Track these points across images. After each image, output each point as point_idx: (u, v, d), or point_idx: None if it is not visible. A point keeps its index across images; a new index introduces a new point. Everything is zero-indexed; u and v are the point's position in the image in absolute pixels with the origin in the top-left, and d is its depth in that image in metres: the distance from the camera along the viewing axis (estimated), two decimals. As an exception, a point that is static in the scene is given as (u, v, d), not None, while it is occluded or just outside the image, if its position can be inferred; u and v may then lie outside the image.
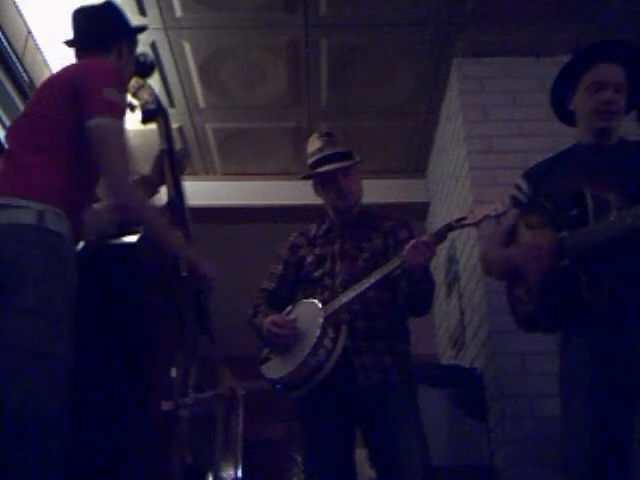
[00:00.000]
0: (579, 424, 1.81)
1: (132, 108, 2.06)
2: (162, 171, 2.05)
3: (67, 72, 1.81)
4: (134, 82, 2.06)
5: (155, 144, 2.17)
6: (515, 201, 2.08)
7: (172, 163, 2.05)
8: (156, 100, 2.09)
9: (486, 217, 1.97)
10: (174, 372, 1.85)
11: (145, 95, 2.06)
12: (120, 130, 1.73)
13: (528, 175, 2.09)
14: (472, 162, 3.31)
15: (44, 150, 1.67)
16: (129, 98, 2.03)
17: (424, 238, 2.03)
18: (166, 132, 2.08)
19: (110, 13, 1.99)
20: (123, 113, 1.77)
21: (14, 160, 1.67)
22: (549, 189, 1.97)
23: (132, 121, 2.06)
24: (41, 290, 1.49)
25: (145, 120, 2.08)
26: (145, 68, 2.09)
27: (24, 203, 1.55)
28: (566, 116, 2.15)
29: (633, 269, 1.78)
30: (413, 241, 2.03)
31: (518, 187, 2.10)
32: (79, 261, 1.70)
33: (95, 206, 1.91)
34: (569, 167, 2.01)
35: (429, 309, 2.31)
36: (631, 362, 1.78)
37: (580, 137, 2.10)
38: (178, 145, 3.18)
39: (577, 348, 1.88)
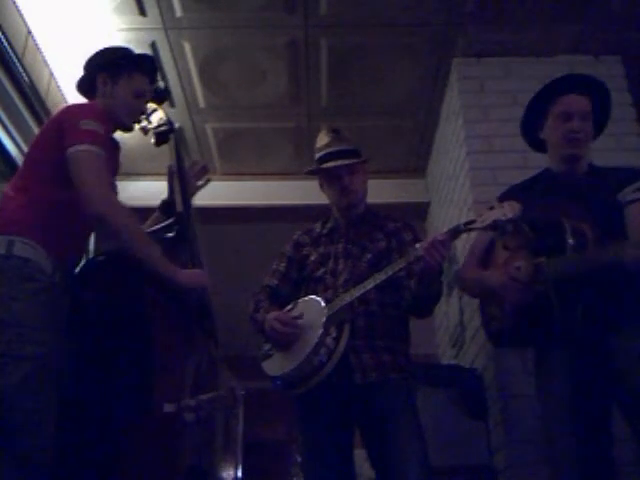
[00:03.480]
0: (561, 430, 1.95)
1: (145, 131, 2.21)
2: (172, 187, 2.18)
3: (55, 116, 1.98)
4: (147, 107, 2.18)
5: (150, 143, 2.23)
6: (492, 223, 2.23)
7: (181, 180, 2.15)
8: (169, 123, 2.22)
9: (495, 222, 1.96)
10: (179, 375, 1.86)
11: (157, 119, 2.21)
12: (95, 153, 1.82)
13: (503, 198, 2.16)
14: (472, 162, 3.30)
15: (25, 189, 1.84)
16: (143, 123, 2.19)
17: (440, 236, 2.01)
18: (177, 151, 2.21)
19: (91, 59, 2.11)
20: (100, 140, 1.85)
21: (2, 202, 1.86)
22: (525, 213, 2.06)
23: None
24: (14, 307, 1.67)
25: (158, 143, 2.23)
26: (157, 95, 2.21)
27: None
28: (538, 144, 2.29)
29: (605, 297, 1.93)
30: (430, 239, 2.01)
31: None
32: (88, 267, 1.89)
33: None
34: (543, 193, 2.14)
35: (432, 313, 2.32)
36: (603, 373, 1.92)
37: (551, 163, 2.23)
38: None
39: (551, 363, 2.03)
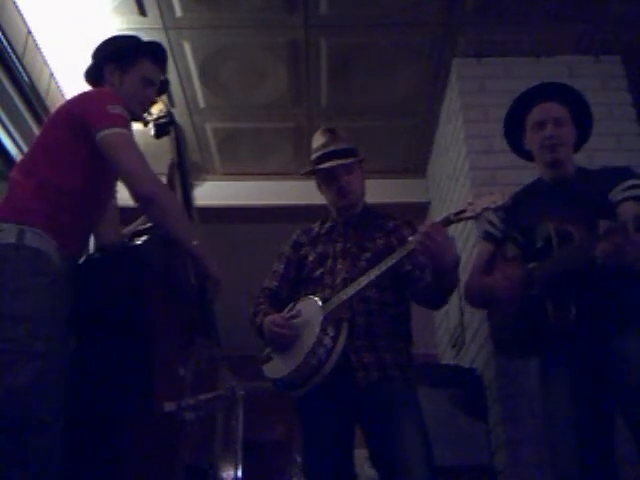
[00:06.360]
0: (562, 439, 1.95)
1: (145, 123, 2.14)
2: (172, 183, 2.13)
3: (69, 102, 1.93)
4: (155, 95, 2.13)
5: (152, 144, 2.20)
6: (489, 236, 2.25)
7: (183, 175, 2.12)
8: (169, 114, 2.17)
9: (486, 210, 1.94)
10: (180, 373, 1.86)
11: (157, 110, 2.15)
12: (130, 136, 1.79)
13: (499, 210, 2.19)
14: (472, 162, 3.30)
15: (34, 174, 1.77)
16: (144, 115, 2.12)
17: (430, 227, 1.95)
18: (177, 145, 2.16)
19: (98, 48, 2.08)
20: (129, 125, 1.83)
21: (9, 185, 1.80)
22: (519, 223, 2.11)
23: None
24: (25, 301, 1.60)
25: (158, 135, 2.18)
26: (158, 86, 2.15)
27: (6, 226, 1.68)
28: (526, 154, 2.31)
29: (595, 295, 1.92)
30: (422, 228, 1.96)
31: (491, 223, 2.24)
32: (86, 264, 1.84)
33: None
34: (535, 202, 2.15)
35: (446, 303, 2.27)
36: (603, 380, 1.92)
37: (540, 172, 2.26)
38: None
39: (553, 371, 2.03)
